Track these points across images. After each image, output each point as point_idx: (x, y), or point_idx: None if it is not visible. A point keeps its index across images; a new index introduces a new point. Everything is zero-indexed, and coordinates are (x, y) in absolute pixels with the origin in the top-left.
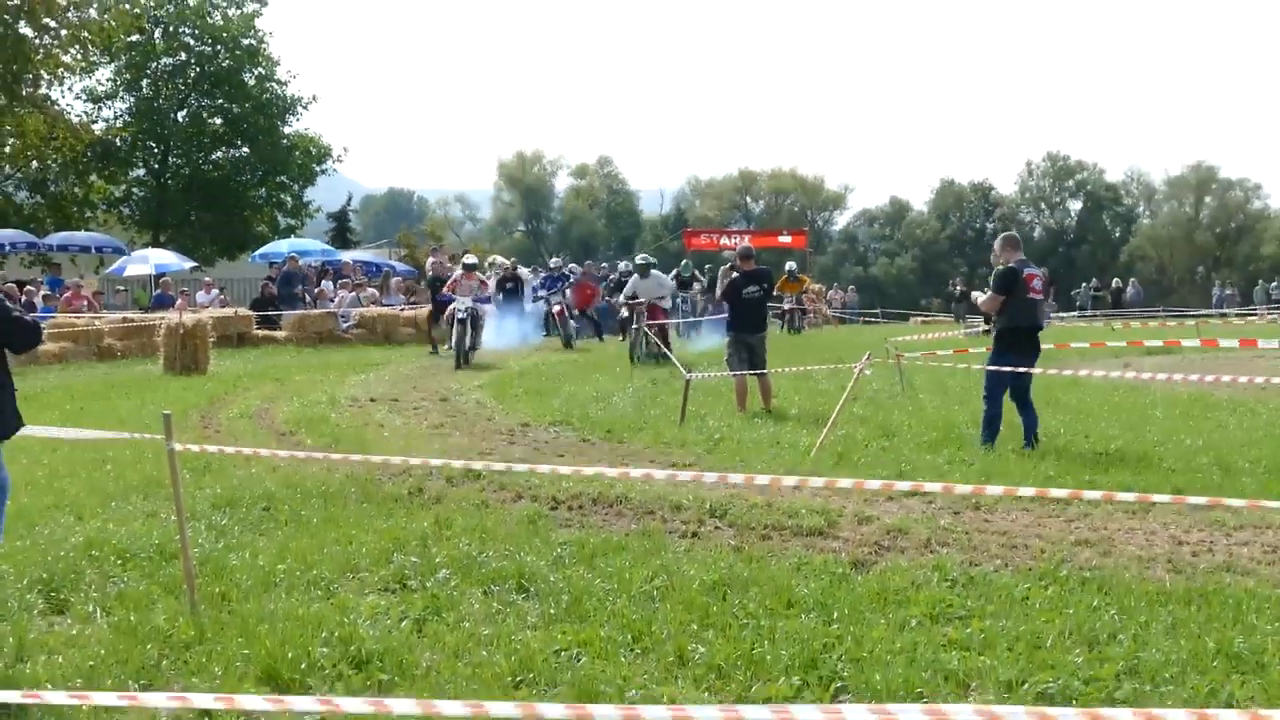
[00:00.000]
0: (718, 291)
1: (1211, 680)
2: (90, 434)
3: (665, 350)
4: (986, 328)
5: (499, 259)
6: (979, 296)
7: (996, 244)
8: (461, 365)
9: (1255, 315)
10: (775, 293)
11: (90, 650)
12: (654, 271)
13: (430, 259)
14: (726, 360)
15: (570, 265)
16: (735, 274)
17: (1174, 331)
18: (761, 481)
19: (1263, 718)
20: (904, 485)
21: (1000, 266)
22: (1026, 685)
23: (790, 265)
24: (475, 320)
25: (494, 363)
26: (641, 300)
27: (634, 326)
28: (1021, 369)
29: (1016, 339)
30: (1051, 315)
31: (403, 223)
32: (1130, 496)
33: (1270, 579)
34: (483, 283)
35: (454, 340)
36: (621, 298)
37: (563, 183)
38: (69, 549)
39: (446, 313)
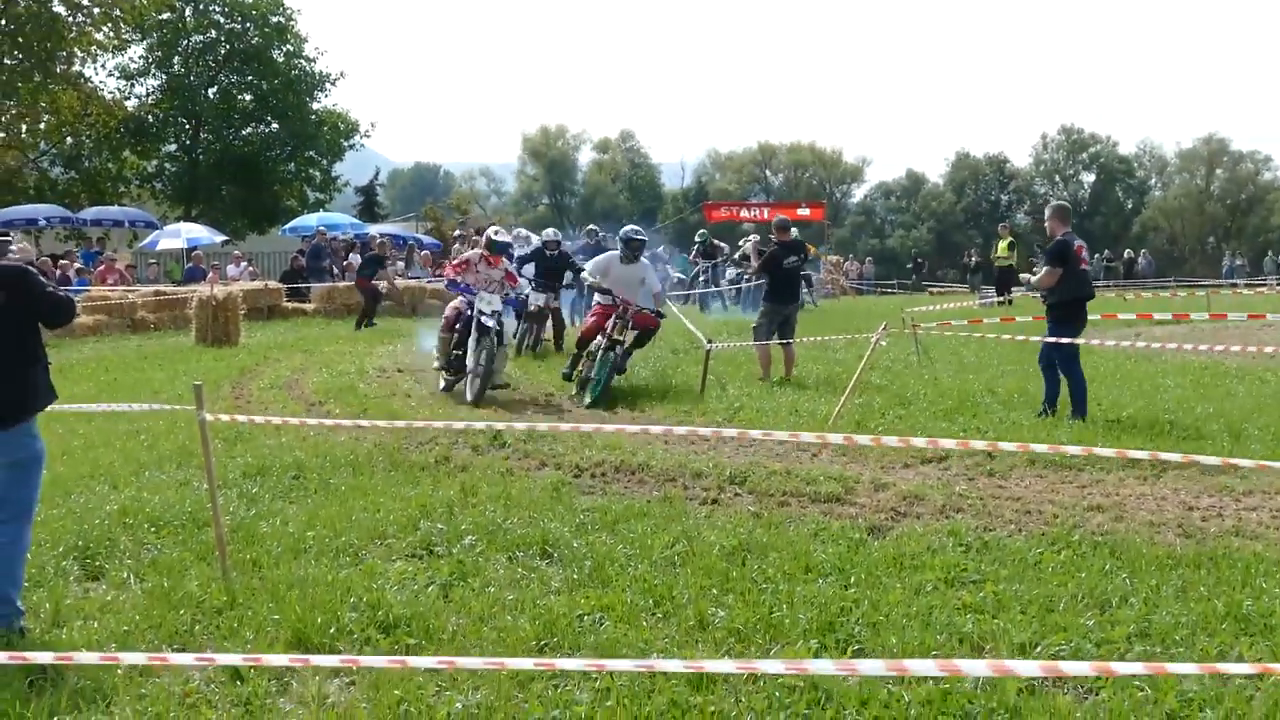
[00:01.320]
0: (752, 263)
1: (1220, 642)
2: (123, 406)
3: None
4: (1001, 299)
5: (522, 231)
6: (1028, 276)
7: (1047, 213)
8: (479, 398)
9: (1264, 286)
10: None
11: (125, 615)
12: (644, 259)
13: (456, 233)
14: (755, 329)
15: (590, 228)
16: (775, 245)
17: (1184, 303)
18: (781, 437)
19: (1272, 670)
20: (920, 442)
21: (1053, 240)
22: (1039, 647)
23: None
24: (501, 335)
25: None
26: (613, 292)
27: (603, 340)
28: (1064, 339)
29: (1070, 310)
30: None
31: (429, 196)
32: (1143, 454)
33: (1279, 543)
34: (510, 274)
35: (470, 360)
36: (586, 275)
37: (585, 156)
38: (104, 517)
39: (448, 311)
